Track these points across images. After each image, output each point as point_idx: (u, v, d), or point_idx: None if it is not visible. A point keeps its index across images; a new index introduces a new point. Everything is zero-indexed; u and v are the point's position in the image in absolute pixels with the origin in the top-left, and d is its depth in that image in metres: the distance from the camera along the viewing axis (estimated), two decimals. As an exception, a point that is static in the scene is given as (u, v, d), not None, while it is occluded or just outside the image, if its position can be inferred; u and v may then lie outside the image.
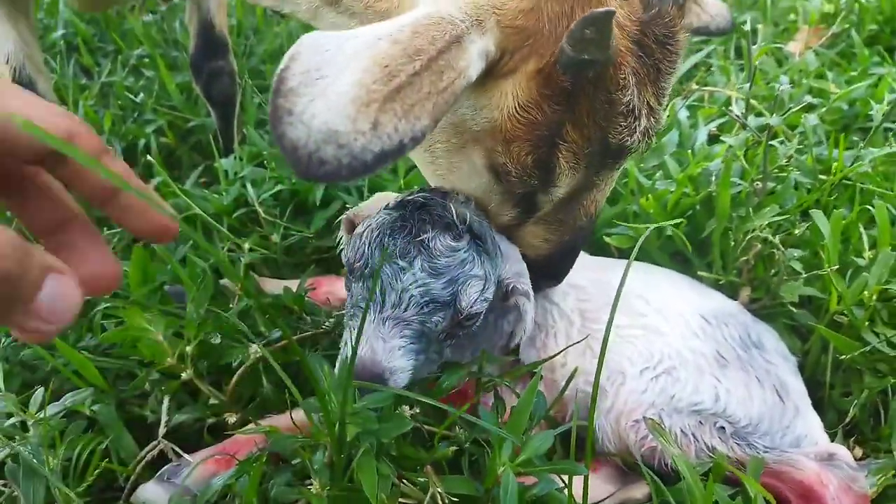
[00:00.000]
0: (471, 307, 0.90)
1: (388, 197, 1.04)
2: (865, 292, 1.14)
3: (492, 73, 0.81)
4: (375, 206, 1.02)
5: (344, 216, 1.11)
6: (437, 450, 0.87)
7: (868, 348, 1.12)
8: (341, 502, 0.77)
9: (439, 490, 0.80)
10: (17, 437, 0.93)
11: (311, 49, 0.68)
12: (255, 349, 1.02)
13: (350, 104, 0.65)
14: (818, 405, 1.14)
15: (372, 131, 0.66)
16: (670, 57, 0.86)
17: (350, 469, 0.78)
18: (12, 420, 0.94)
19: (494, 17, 0.78)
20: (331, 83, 0.66)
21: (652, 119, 0.88)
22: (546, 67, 0.79)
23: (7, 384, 1.06)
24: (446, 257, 0.90)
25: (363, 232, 0.95)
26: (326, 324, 1.17)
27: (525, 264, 1.04)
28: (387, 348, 0.85)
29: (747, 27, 1.28)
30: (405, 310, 0.88)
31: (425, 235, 0.90)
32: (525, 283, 1.01)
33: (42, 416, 0.93)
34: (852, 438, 1.14)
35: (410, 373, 0.87)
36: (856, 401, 1.12)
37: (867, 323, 1.15)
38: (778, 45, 2.16)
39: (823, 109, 1.71)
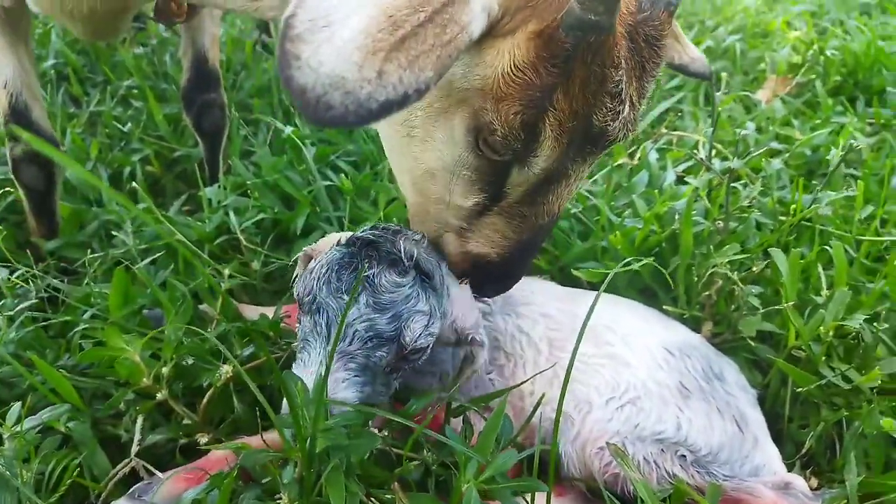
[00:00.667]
0: (415, 342, 0.93)
1: (341, 236, 1.07)
2: (822, 328, 1.19)
3: (490, 31, 0.82)
4: (329, 244, 1.05)
5: (301, 252, 1.15)
6: (405, 468, 0.89)
7: (824, 381, 1.17)
8: (309, 517, 0.79)
9: (405, 507, 0.83)
10: (-8, 452, 0.95)
11: None
12: (226, 369, 1.04)
13: (356, 51, 0.68)
14: (777, 437, 1.18)
15: (377, 80, 0.69)
16: (655, 58, 0.90)
17: (319, 485, 0.81)
18: (-13, 434, 0.96)
19: None
20: (337, 30, 0.68)
21: (632, 113, 0.91)
22: (547, 29, 0.80)
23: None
24: (390, 293, 0.93)
25: (313, 268, 0.98)
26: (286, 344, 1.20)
27: (479, 313, 1.08)
28: (331, 380, 0.87)
29: (715, 76, 1.35)
30: (349, 344, 0.91)
31: (371, 271, 0.94)
32: (481, 335, 1.04)
33: (18, 429, 0.94)
34: (809, 469, 1.18)
35: (355, 404, 0.89)
36: (812, 433, 1.16)
37: (824, 358, 1.20)
38: (747, 93, 2.25)
39: (787, 155, 1.78)
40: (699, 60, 1.17)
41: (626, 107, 0.88)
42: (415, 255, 0.97)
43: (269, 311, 1.29)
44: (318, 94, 0.66)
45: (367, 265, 0.95)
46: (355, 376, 0.90)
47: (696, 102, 2.15)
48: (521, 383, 1.10)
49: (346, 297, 0.92)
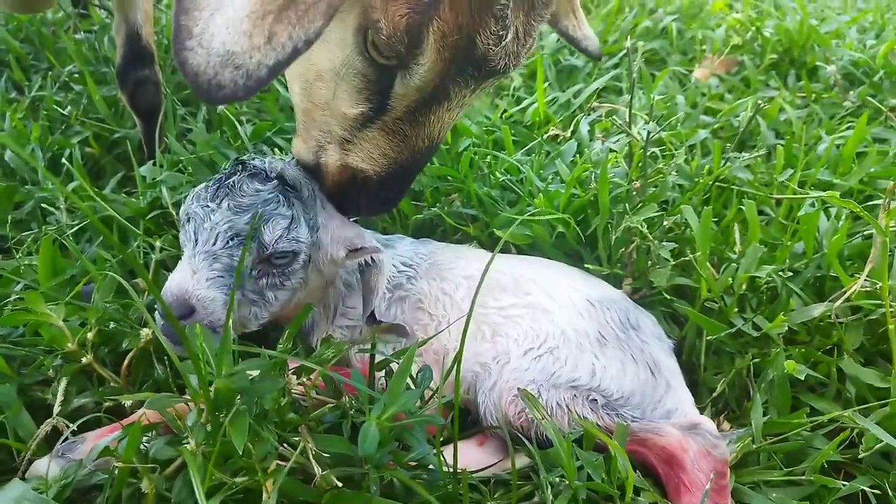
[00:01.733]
0: (275, 242, 1.01)
1: None
2: (733, 280, 1.24)
3: None
4: None
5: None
6: (316, 412, 0.92)
7: (734, 330, 1.22)
8: (216, 458, 0.81)
9: (311, 447, 0.85)
10: None
11: None
12: (145, 332, 1.06)
13: (246, 20, 0.70)
14: (693, 385, 1.23)
15: (266, 45, 0.71)
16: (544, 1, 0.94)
17: (224, 428, 0.83)
18: None
19: None
20: None
21: (516, 45, 0.93)
22: None
23: None
24: (250, 196, 1.02)
25: (187, 195, 1.07)
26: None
27: (359, 227, 1.15)
28: (196, 278, 0.96)
29: (633, 50, 1.40)
30: (213, 244, 0.99)
31: (232, 179, 1.03)
32: (369, 240, 1.13)
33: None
34: (723, 415, 1.22)
35: (223, 304, 0.97)
36: (724, 379, 1.21)
37: (736, 309, 1.25)
38: (686, 70, 2.32)
39: (716, 126, 1.84)
40: (592, 40, 1.23)
41: (510, 35, 0.91)
42: (279, 169, 1.06)
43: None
44: (210, 75, 0.69)
45: (232, 177, 1.05)
46: (219, 276, 0.97)
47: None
48: (435, 334, 1.14)
49: (210, 205, 1.00)
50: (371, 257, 1.13)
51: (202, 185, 1.07)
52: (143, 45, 1.67)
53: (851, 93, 2.09)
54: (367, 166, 1.05)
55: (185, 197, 1.07)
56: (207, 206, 1.01)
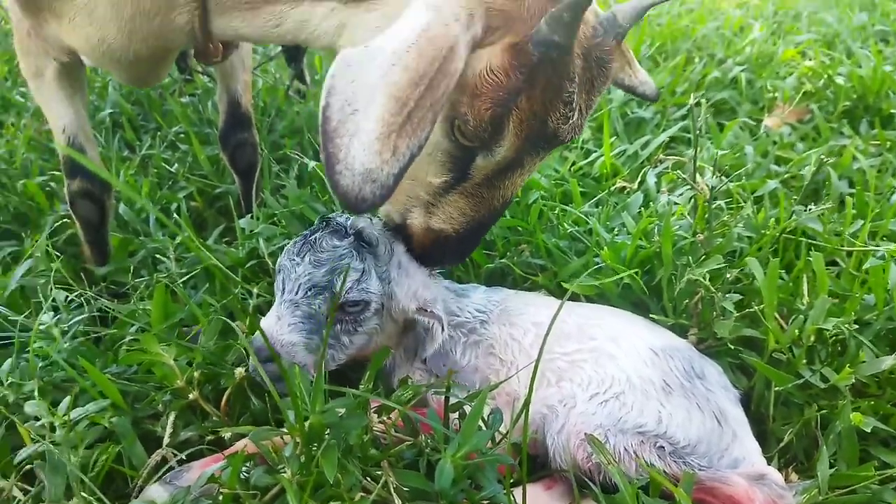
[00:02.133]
0: (347, 293, 1.14)
1: None
2: (797, 332, 1.26)
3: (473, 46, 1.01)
4: None
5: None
6: (396, 449, 1.01)
7: (801, 381, 1.24)
8: (308, 486, 0.91)
9: (392, 480, 0.94)
10: (45, 437, 1.10)
11: (342, 75, 0.89)
12: (239, 370, 1.19)
13: (377, 141, 0.88)
14: (762, 436, 1.25)
15: (392, 157, 0.90)
16: (603, 77, 1.11)
17: (317, 459, 0.93)
18: (42, 422, 1.11)
19: (484, 6, 1.00)
20: (361, 118, 0.88)
21: (580, 119, 1.10)
22: (521, 43, 1.00)
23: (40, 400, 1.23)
24: (328, 252, 1.16)
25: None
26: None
27: (438, 290, 1.27)
28: (280, 324, 1.10)
29: (696, 104, 1.46)
30: (296, 294, 1.14)
31: (314, 235, 1.18)
32: (438, 309, 1.24)
33: (67, 418, 1.09)
34: (791, 466, 1.24)
35: (303, 347, 1.10)
36: (791, 430, 1.23)
37: (804, 361, 1.27)
38: (755, 121, 2.34)
39: (786, 176, 1.86)
40: (648, 84, 1.34)
41: (576, 114, 1.07)
42: (358, 226, 1.19)
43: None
44: (356, 192, 0.88)
45: (315, 234, 1.19)
46: (300, 322, 1.11)
47: (702, 129, 2.25)
48: (505, 380, 1.22)
49: (296, 259, 1.15)
50: (429, 323, 1.25)
51: (294, 239, 1.22)
52: (243, 111, 1.85)
53: (929, 140, 2.07)
54: (448, 226, 1.20)
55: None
56: (293, 260, 1.17)
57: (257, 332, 1.13)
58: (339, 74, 0.90)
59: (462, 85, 1.02)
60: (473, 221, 1.19)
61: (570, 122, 1.06)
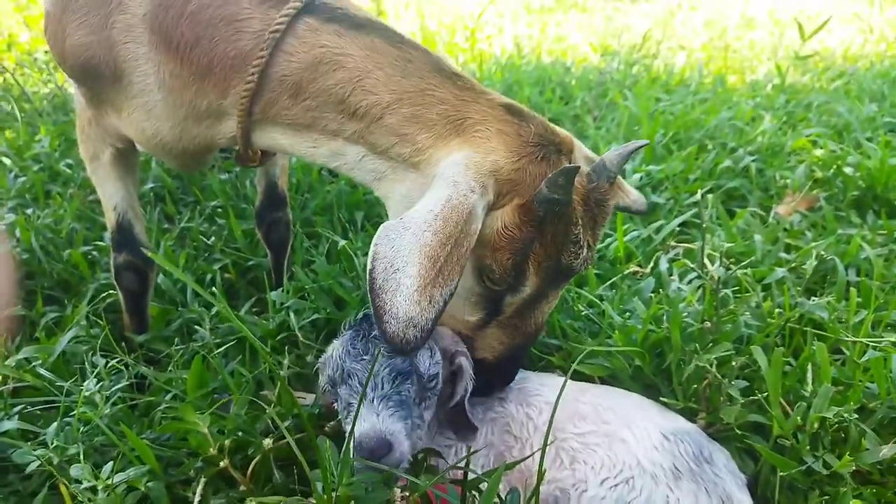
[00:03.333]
0: (428, 370, 1.23)
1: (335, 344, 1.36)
2: (800, 419, 1.32)
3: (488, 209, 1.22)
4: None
5: (317, 367, 1.41)
6: (416, 523, 1.07)
7: (804, 468, 1.28)
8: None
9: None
10: (88, 501, 1.18)
11: (384, 242, 1.08)
12: (268, 441, 1.27)
13: (416, 293, 1.06)
14: (768, 521, 1.29)
15: (429, 305, 1.07)
16: (603, 214, 1.30)
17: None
18: (85, 485, 1.19)
19: (493, 176, 1.21)
20: (401, 275, 1.05)
21: (590, 253, 1.29)
22: (527, 203, 1.20)
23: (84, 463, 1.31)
24: None
25: (330, 354, 1.28)
26: (329, 425, 1.43)
27: (458, 339, 1.37)
28: (380, 419, 1.14)
29: (703, 197, 1.56)
30: (383, 388, 1.19)
31: (374, 332, 1.24)
32: (462, 349, 1.34)
33: (110, 482, 1.17)
34: (798, 553, 1.27)
35: (405, 434, 1.14)
36: (797, 516, 1.27)
37: (807, 447, 1.32)
38: (766, 208, 2.44)
39: (794, 264, 1.94)
40: (639, 201, 1.53)
41: (585, 249, 1.26)
42: None
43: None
44: (401, 336, 1.04)
45: (369, 331, 1.26)
46: (396, 411, 1.16)
47: (713, 217, 2.35)
48: (523, 459, 1.27)
49: (366, 358, 1.21)
50: (459, 363, 1.34)
51: (336, 346, 1.27)
52: (279, 192, 1.99)
53: (935, 232, 2.14)
54: (488, 354, 1.36)
55: (329, 361, 1.27)
56: (363, 359, 1.22)
57: (364, 433, 1.13)
58: (381, 243, 1.08)
59: (483, 241, 1.22)
60: (511, 348, 1.34)
61: (581, 256, 1.25)
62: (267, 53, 1.31)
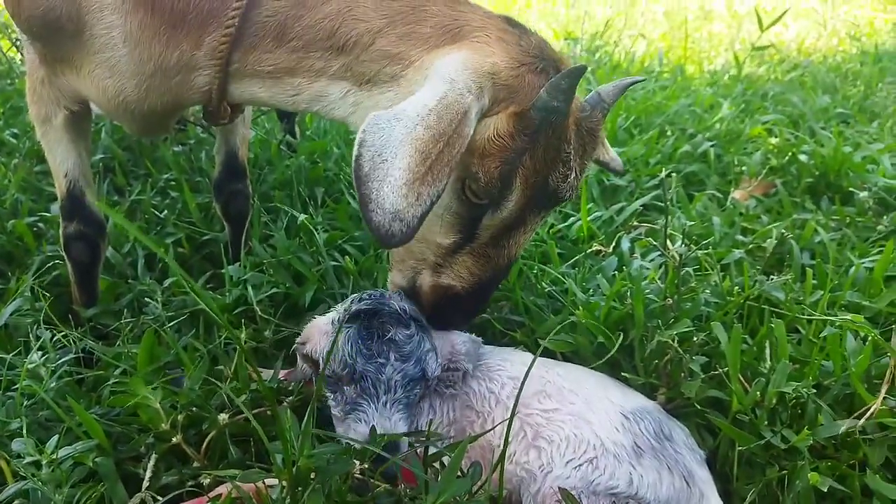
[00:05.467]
0: (433, 372, 1.24)
1: (320, 323, 1.34)
2: (759, 394, 1.33)
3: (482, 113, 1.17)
4: (315, 332, 1.34)
5: (295, 348, 1.40)
6: (376, 493, 1.04)
7: (762, 442, 1.30)
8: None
9: (373, 526, 0.97)
10: (31, 475, 1.12)
11: (373, 131, 1.03)
12: (223, 416, 1.22)
13: (404, 186, 1.02)
14: (726, 495, 1.31)
15: (416, 202, 1.03)
16: (592, 144, 1.27)
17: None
18: (27, 460, 1.13)
19: (491, 79, 1.15)
20: (390, 166, 1.01)
21: (576, 180, 1.25)
22: (523, 111, 1.15)
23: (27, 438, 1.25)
24: (408, 344, 1.22)
25: (336, 348, 1.22)
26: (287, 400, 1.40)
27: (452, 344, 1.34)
28: (392, 423, 1.16)
29: (666, 178, 1.57)
30: (395, 392, 1.19)
31: (390, 334, 1.22)
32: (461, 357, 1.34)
33: (55, 456, 1.11)
34: (755, 525, 1.29)
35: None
36: (754, 489, 1.28)
37: (766, 422, 1.34)
38: (724, 192, 2.48)
39: (751, 246, 1.97)
40: (616, 160, 1.51)
41: (573, 174, 1.22)
42: (408, 308, 1.26)
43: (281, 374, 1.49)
44: (386, 228, 1.02)
45: (386, 329, 1.22)
46: (404, 414, 1.19)
47: (673, 200, 2.37)
48: (485, 432, 1.26)
49: (380, 360, 1.19)
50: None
51: (343, 339, 1.22)
52: (239, 162, 1.92)
53: (884, 217, 2.20)
54: (456, 283, 1.30)
55: (337, 353, 1.22)
56: (377, 362, 1.20)
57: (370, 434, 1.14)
58: (370, 130, 1.04)
59: (472, 148, 1.16)
60: (481, 280, 1.29)
61: (568, 181, 1.21)
62: None
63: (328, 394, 1.26)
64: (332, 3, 1.24)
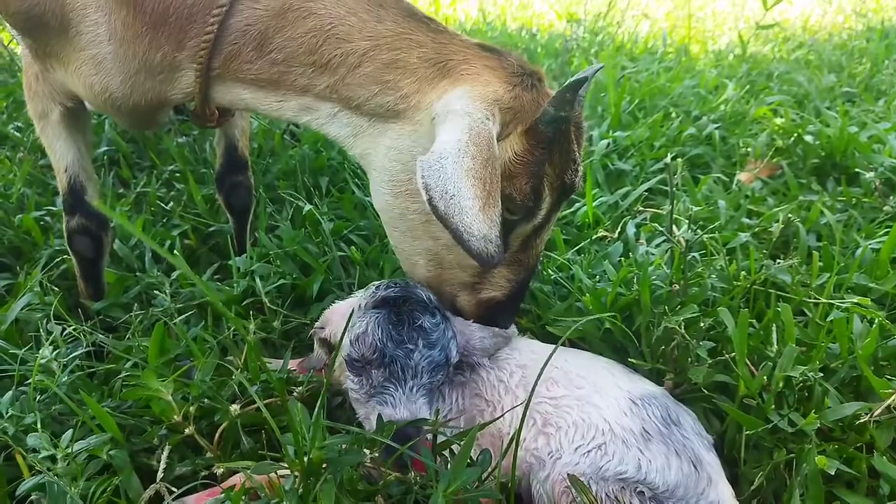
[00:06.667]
0: (454, 360, 1.27)
1: (341, 308, 1.39)
2: (766, 378, 1.34)
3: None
4: (335, 316, 1.38)
5: (313, 332, 1.43)
6: (386, 482, 1.06)
7: (770, 426, 1.31)
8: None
9: (386, 514, 0.99)
10: (47, 469, 1.13)
11: (429, 175, 1.09)
12: (234, 408, 1.23)
13: (480, 212, 1.09)
14: (734, 479, 1.32)
15: (493, 224, 1.11)
16: (581, 136, 1.32)
17: (314, 494, 0.97)
18: (43, 454, 1.14)
19: (497, 105, 1.21)
20: (460, 198, 1.08)
21: (580, 170, 1.33)
22: (532, 127, 1.21)
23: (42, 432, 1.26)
24: (434, 332, 1.25)
25: (365, 332, 1.25)
26: (298, 390, 1.41)
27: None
28: (417, 407, 1.18)
29: (672, 162, 1.56)
30: (421, 378, 1.22)
31: (420, 321, 1.25)
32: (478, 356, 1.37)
33: (70, 450, 1.13)
34: (762, 507, 1.30)
35: (430, 415, 1.20)
36: (762, 473, 1.29)
37: (773, 406, 1.35)
38: (729, 175, 2.47)
39: (757, 229, 1.97)
40: None
41: (580, 167, 1.30)
42: (433, 298, 1.31)
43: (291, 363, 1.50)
44: (486, 251, 1.09)
45: (415, 317, 1.26)
46: (429, 399, 1.22)
47: (679, 184, 2.36)
48: (493, 420, 1.27)
49: (409, 346, 1.22)
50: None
51: (373, 324, 1.25)
52: (239, 154, 1.92)
53: (891, 198, 2.19)
54: (497, 292, 1.36)
55: (363, 336, 1.25)
56: (407, 347, 1.22)
57: (402, 418, 1.17)
58: (427, 175, 1.09)
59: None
60: (517, 284, 1.36)
61: (578, 173, 1.30)
62: (228, 2, 1.24)
63: (351, 376, 1.28)
64: (314, 18, 1.25)
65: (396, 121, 1.26)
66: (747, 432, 1.31)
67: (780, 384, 1.36)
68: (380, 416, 1.17)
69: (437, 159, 1.10)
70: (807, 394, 1.42)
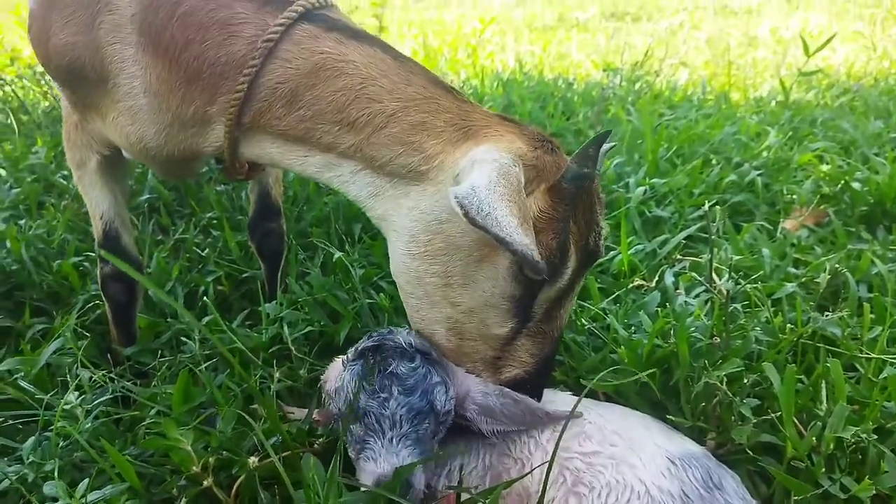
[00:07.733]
0: (444, 406, 1.18)
1: (338, 362, 1.34)
2: (815, 439, 1.25)
3: None
4: (333, 372, 1.33)
5: (320, 385, 1.39)
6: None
7: (820, 491, 1.21)
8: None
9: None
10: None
11: (463, 201, 1.07)
12: (252, 460, 1.20)
13: (519, 227, 1.06)
14: (783, 548, 1.22)
15: (535, 242, 1.09)
16: (601, 203, 1.30)
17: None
18: (59, 503, 1.12)
19: (521, 161, 1.19)
20: (497, 214, 1.06)
21: (603, 235, 1.30)
22: (555, 185, 1.20)
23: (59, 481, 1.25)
24: (411, 377, 1.18)
25: (341, 386, 1.22)
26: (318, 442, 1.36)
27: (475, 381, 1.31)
28: (400, 459, 1.11)
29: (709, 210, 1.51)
30: (401, 427, 1.15)
31: (392, 367, 1.19)
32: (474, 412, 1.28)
33: (84, 500, 1.10)
34: (814, 580, 1.20)
35: (421, 469, 1.13)
36: (812, 542, 1.19)
37: (823, 469, 1.25)
38: (773, 223, 2.38)
39: (803, 279, 1.88)
40: None
41: (602, 231, 1.26)
42: (413, 342, 1.23)
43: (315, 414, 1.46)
44: (536, 261, 1.06)
45: (388, 364, 1.19)
46: (413, 449, 1.14)
47: (719, 231, 2.29)
48: (519, 477, 1.21)
49: (383, 394, 1.16)
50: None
51: (347, 378, 1.22)
52: (272, 201, 1.94)
53: (947, 247, 2.08)
54: (520, 369, 1.30)
55: (339, 393, 1.23)
56: (380, 397, 1.17)
57: (381, 473, 1.12)
58: (462, 201, 1.07)
59: None
60: (542, 360, 1.29)
61: (602, 237, 1.26)
62: (259, 61, 1.27)
63: (346, 437, 1.24)
64: (346, 77, 1.26)
65: (419, 182, 1.24)
66: (796, 498, 1.22)
67: (831, 446, 1.27)
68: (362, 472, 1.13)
69: (468, 187, 1.09)
70: (860, 456, 1.32)
